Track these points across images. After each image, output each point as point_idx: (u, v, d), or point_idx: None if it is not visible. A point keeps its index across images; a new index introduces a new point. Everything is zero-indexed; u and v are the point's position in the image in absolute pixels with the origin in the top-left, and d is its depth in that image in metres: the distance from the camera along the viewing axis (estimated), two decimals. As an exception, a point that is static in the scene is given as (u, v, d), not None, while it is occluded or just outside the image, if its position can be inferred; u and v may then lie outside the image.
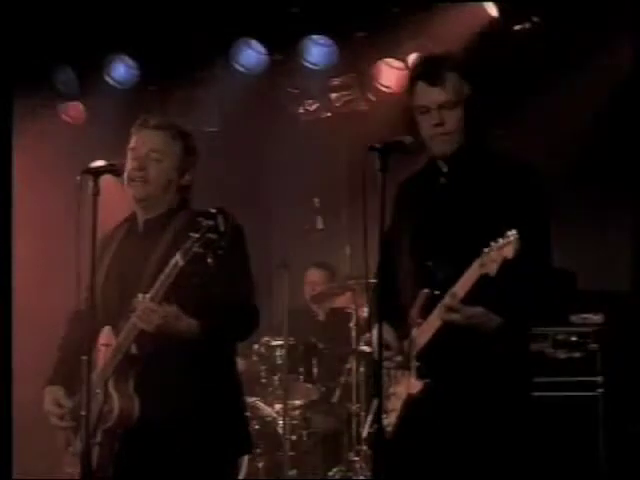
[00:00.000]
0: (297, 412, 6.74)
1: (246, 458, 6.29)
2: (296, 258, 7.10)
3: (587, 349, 5.89)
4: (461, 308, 3.44)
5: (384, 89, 7.14)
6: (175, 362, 3.69)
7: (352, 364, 6.64)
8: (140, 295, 3.59)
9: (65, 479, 3.90)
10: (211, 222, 3.46)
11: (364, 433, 6.27)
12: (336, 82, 7.43)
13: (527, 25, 6.37)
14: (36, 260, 7.10)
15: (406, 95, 3.73)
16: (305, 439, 6.72)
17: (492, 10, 6.38)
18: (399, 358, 3.65)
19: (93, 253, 3.61)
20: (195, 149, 3.92)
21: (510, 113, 6.31)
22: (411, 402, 3.61)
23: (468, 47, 5.92)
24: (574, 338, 5.92)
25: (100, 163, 3.72)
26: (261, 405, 6.71)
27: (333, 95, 7.60)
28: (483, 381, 3.52)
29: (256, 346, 6.82)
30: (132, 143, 3.87)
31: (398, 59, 6.88)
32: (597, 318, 5.98)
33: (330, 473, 6.59)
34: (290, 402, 6.64)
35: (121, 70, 7.37)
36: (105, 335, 3.77)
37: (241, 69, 7.17)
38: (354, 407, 6.54)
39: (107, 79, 7.38)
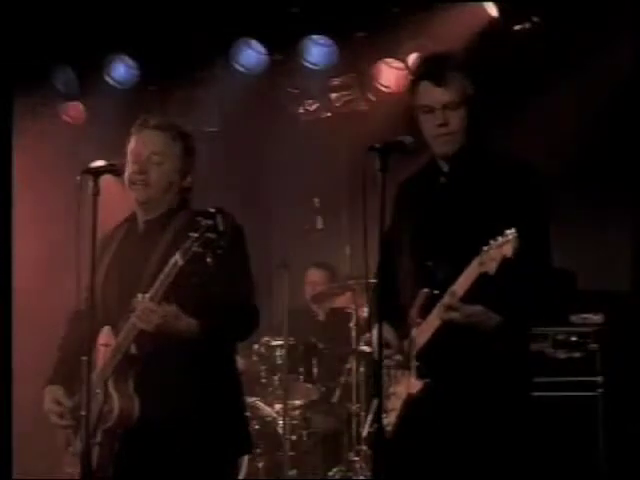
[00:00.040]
0: (297, 412, 6.74)
1: (246, 458, 6.30)
2: (296, 258, 7.11)
3: (587, 349, 5.89)
4: (460, 307, 3.44)
5: (384, 89, 7.14)
6: (175, 362, 3.70)
7: (352, 364, 6.63)
8: (139, 295, 3.60)
9: (65, 479, 3.90)
10: (210, 222, 3.46)
11: (364, 433, 6.27)
12: (336, 82, 7.43)
13: (527, 25, 6.37)
14: (36, 260, 7.09)
15: (408, 94, 3.73)
16: (305, 439, 6.72)
17: (492, 10, 6.38)
18: (399, 357, 3.65)
19: (93, 253, 3.61)
20: (194, 149, 3.93)
21: (510, 113, 6.31)
22: (411, 402, 3.62)
23: (468, 47, 5.92)
24: (574, 338, 5.92)
25: (100, 163, 3.72)
26: (261, 405, 6.71)
27: (333, 95, 7.60)
28: (483, 381, 3.52)
29: (256, 346, 6.82)
30: (132, 144, 3.87)
31: (398, 59, 6.88)
32: (597, 318, 5.98)
33: (330, 473, 6.59)
34: (290, 402, 6.64)
35: (121, 70, 7.37)
36: (105, 335, 3.77)
37: (241, 69, 7.17)
38: (354, 407, 6.54)
39: (107, 79, 7.38)
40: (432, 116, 3.63)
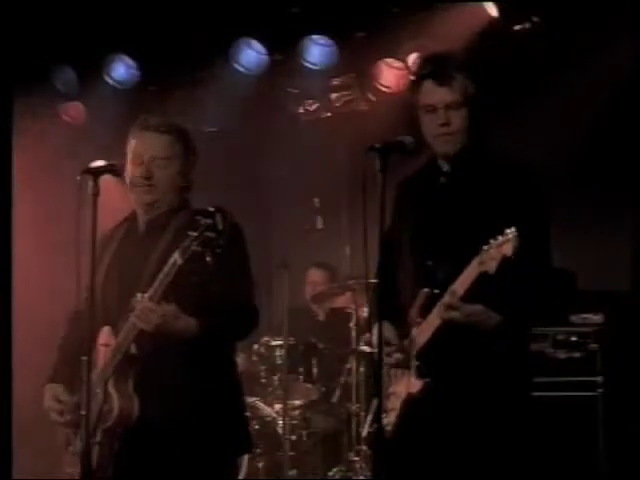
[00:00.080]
0: (297, 412, 6.74)
1: (246, 458, 6.30)
2: (296, 258, 7.11)
3: (587, 349, 5.90)
4: (460, 306, 3.44)
5: (384, 89, 7.13)
6: (174, 361, 3.70)
7: (352, 364, 6.63)
8: (139, 294, 3.60)
9: (65, 479, 3.90)
10: (209, 220, 3.46)
11: (364, 432, 6.28)
12: (336, 82, 7.43)
13: (527, 25, 6.36)
14: (36, 260, 7.10)
15: (410, 93, 3.72)
16: (305, 439, 6.72)
17: (492, 10, 6.37)
18: (399, 355, 3.65)
19: (93, 253, 3.61)
20: (195, 148, 3.93)
21: (510, 113, 6.31)
22: (411, 401, 3.62)
23: (468, 47, 5.92)
24: (574, 338, 5.92)
25: (100, 163, 3.71)
26: (261, 405, 6.71)
27: (333, 95, 7.60)
28: (483, 380, 3.53)
29: (256, 346, 6.82)
30: (133, 146, 3.86)
31: (398, 59, 6.88)
32: (597, 318, 5.98)
33: (330, 473, 6.59)
34: (290, 402, 6.63)
35: (121, 70, 7.37)
36: (105, 335, 3.77)
37: (241, 69, 7.16)
38: (354, 407, 6.54)
39: (107, 79, 7.38)
40: (434, 115, 3.63)
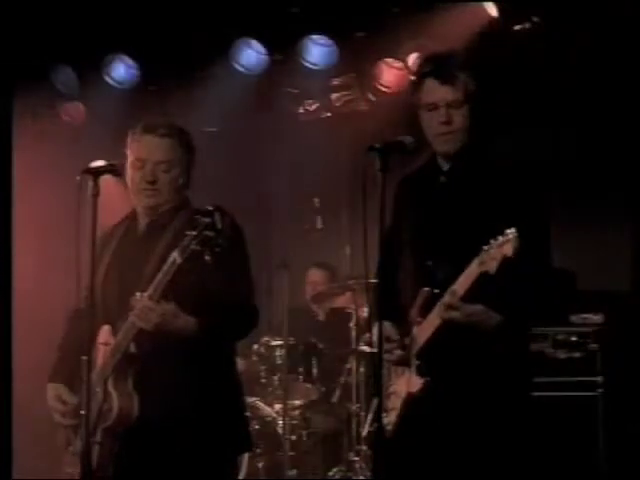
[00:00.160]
0: (297, 412, 6.74)
1: (246, 458, 6.30)
2: (296, 258, 7.11)
3: (587, 349, 5.90)
4: (461, 306, 3.44)
5: (384, 89, 7.13)
6: (174, 360, 3.70)
7: (352, 364, 6.64)
8: (138, 293, 3.60)
9: (65, 479, 3.90)
10: (208, 220, 3.47)
11: (364, 432, 6.28)
12: (336, 82, 7.43)
13: (527, 25, 6.36)
14: (36, 260, 7.09)
15: (411, 92, 3.72)
16: (305, 439, 6.72)
17: (492, 10, 6.37)
18: (400, 352, 3.65)
19: (93, 252, 3.62)
20: (194, 147, 3.93)
21: (510, 113, 6.30)
22: (411, 400, 3.62)
23: (468, 47, 5.91)
24: (574, 338, 5.93)
25: (100, 163, 3.71)
26: (261, 405, 6.70)
27: (333, 95, 7.61)
28: (483, 380, 3.52)
29: (256, 346, 6.82)
30: (135, 150, 3.85)
31: (398, 59, 6.88)
32: (597, 318, 5.98)
33: (330, 473, 6.59)
34: (290, 402, 6.63)
35: (121, 70, 7.37)
36: (104, 334, 3.77)
37: (241, 69, 7.16)
38: (354, 407, 6.54)
39: (107, 79, 7.38)
40: (435, 114, 3.63)
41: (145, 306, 3.58)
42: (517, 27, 6.40)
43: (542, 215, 3.64)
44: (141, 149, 3.84)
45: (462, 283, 3.43)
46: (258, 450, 6.49)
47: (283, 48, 7.08)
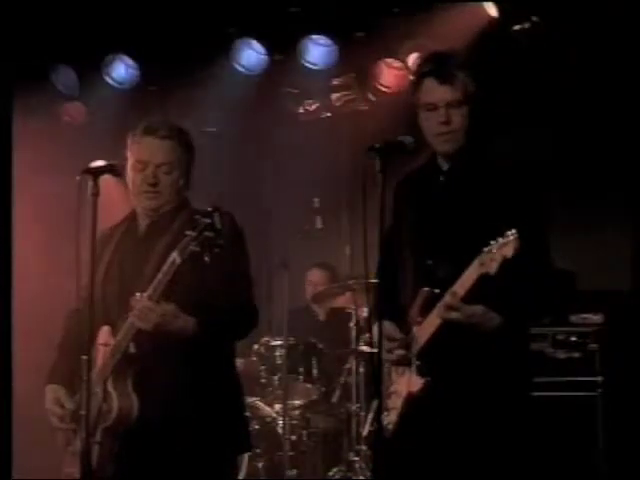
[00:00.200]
0: (297, 412, 6.73)
1: (246, 458, 6.30)
2: (296, 258, 7.11)
3: (587, 349, 5.90)
4: (461, 307, 3.44)
5: (384, 89, 7.14)
6: (173, 361, 3.70)
7: (352, 364, 6.64)
8: (137, 294, 3.60)
9: (65, 479, 3.90)
10: (208, 220, 3.47)
11: (365, 431, 6.29)
12: (336, 82, 7.43)
13: (527, 25, 6.36)
14: (36, 260, 7.09)
15: (411, 92, 3.72)
16: (305, 439, 6.71)
17: (492, 10, 6.38)
18: (401, 351, 3.65)
19: (93, 253, 3.62)
20: (194, 146, 3.94)
21: (510, 113, 6.31)
22: (412, 400, 3.62)
23: (468, 47, 5.92)
24: (574, 338, 5.93)
25: (100, 163, 3.71)
26: (261, 405, 6.70)
27: (333, 95, 7.61)
28: (483, 380, 3.52)
29: (256, 346, 6.82)
30: (136, 152, 3.85)
31: (398, 59, 6.88)
32: (597, 318, 5.99)
33: (330, 473, 6.58)
34: (290, 402, 6.63)
35: (121, 70, 7.37)
36: (104, 334, 3.77)
37: (241, 69, 7.17)
38: (354, 407, 6.54)
39: (107, 79, 7.38)
40: (435, 114, 3.63)
41: (145, 306, 3.58)
42: (517, 27, 6.41)
43: (541, 215, 3.64)
44: (142, 151, 3.84)
45: (462, 284, 3.43)
46: (258, 450, 6.49)
47: (283, 48, 7.08)
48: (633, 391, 5.79)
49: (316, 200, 7.30)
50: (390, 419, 3.69)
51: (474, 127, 3.63)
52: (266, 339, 6.81)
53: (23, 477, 5.44)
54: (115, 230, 3.98)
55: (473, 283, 3.40)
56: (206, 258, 3.49)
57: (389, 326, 3.64)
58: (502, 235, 3.33)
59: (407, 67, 6.75)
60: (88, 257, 3.60)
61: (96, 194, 3.64)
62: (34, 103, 7.22)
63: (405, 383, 3.66)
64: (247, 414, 4.36)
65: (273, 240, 8.42)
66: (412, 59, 6.67)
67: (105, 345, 3.75)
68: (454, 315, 3.45)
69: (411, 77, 3.87)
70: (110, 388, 3.70)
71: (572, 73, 6.37)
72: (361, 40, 6.90)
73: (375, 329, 3.40)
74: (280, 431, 6.57)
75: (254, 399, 6.67)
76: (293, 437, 6.62)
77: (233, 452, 3.96)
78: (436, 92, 3.62)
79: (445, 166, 3.71)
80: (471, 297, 3.43)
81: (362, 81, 7.31)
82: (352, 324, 6.64)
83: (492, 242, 3.34)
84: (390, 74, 7.07)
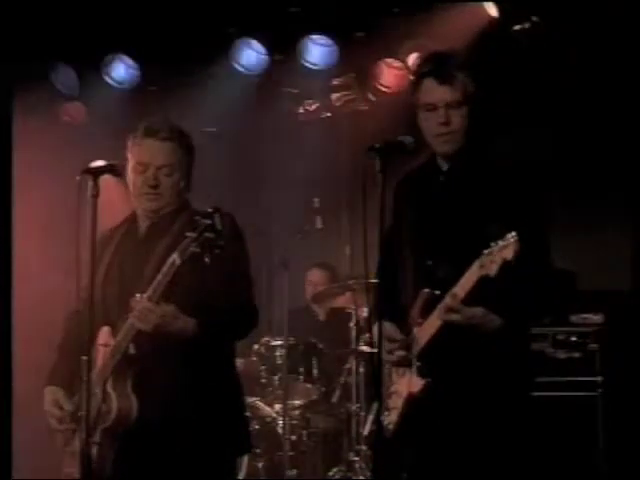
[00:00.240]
0: (297, 412, 6.73)
1: (246, 458, 6.30)
2: (296, 258, 7.10)
3: (587, 349, 5.90)
4: (461, 309, 3.44)
5: (384, 89, 7.14)
6: (173, 362, 3.70)
7: (352, 364, 6.64)
8: (137, 295, 3.60)
9: (64, 479, 3.90)
10: (208, 221, 3.47)
11: (366, 431, 6.29)
12: (336, 82, 7.43)
13: (527, 25, 6.37)
14: (36, 260, 7.09)
15: (410, 92, 3.71)
16: (305, 439, 6.71)
17: (492, 10, 6.38)
18: (402, 352, 3.65)
19: (93, 253, 3.61)
20: (194, 148, 3.93)
21: (510, 113, 6.30)
22: (412, 400, 3.62)
23: (468, 47, 5.92)
24: (574, 338, 5.93)
25: (100, 163, 3.71)
26: (261, 405, 6.70)
27: (333, 95, 7.61)
28: (483, 381, 3.52)
29: (256, 346, 6.81)
30: (137, 154, 3.85)
31: (398, 59, 6.89)
32: (597, 318, 5.99)
33: (330, 473, 6.58)
34: (290, 402, 6.63)
35: (121, 70, 7.37)
36: (104, 335, 3.77)
37: (241, 69, 7.17)
38: (354, 407, 6.54)
39: (107, 79, 7.38)
40: (434, 114, 3.62)
41: (144, 307, 3.57)
42: (517, 27, 6.41)
43: (541, 215, 3.64)
44: (142, 153, 3.84)
45: (463, 286, 3.43)
46: (258, 450, 6.49)
47: (283, 48, 7.08)
48: (633, 391, 5.79)
49: (316, 200, 7.29)
50: (391, 419, 3.69)
51: (474, 127, 3.63)
52: (266, 339, 6.81)
53: (23, 477, 5.44)
54: (115, 232, 3.98)
55: (473, 285, 3.40)
56: (206, 259, 3.48)
57: (389, 327, 3.65)
58: (502, 237, 3.32)
59: (407, 67, 6.75)
60: (88, 258, 3.60)
61: (96, 194, 3.64)
62: (34, 103, 7.22)
63: (406, 383, 3.66)
64: (247, 414, 4.36)
65: (273, 240, 8.41)
66: (412, 59, 6.67)
67: (105, 346, 3.74)
68: (454, 317, 3.45)
69: (411, 77, 3.87)
70: (109, 389, 3.70)
71: (572, 73, 6.36)
72: (361, 40, 6.89)
73: (375, 329, 3.39)
74: (280, 431, 6.57)
75: (254, 399, 6.67)
76: (293, 437, 6.61)
77: (233, 453, 3.96)
78: (435, 92, 3.61)
79: (445, 166, 3.71)
80: (471, 299, 3.43)
81: (362, 81, 7.31)
82: (352, 324, 6.64)
83: (492, 244, 3.33)
84: (390, 74, 7.07)
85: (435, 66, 3.65)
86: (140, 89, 7.45)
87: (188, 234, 3.49)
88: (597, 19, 6.11)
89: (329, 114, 7.80)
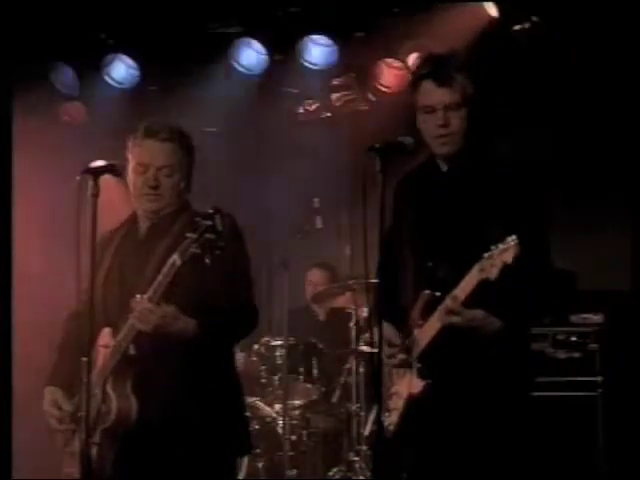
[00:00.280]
0: (297, 412, 6.73)
1: (246, 458, 6.29)
2: (296, 258, 7.10)
3: (587, 349, 5.90)
4: (462, 311, 3.44)
5: (384, 89, 7.14)
6: (174, 362, 3.70)
7: (352, 364, 6.64)
8: (138, 295, 3.60)
9: (64, 479, 3.90)
10: (209, 222, 3.47)
11: (366, 431, 6.29)
12: (336, 82, 7.43)
13: (527, 25, 6.36)
14: (36, 260, 7.09)
15: (409, 93, 3.71)
16: (305, 439, 6.71)
17: (492, 10, 6.38)
18: (402, 356, 3.65)
19: (93, 254, 3.61)
20: (194, 148, 3.93)
21: (510, 113, 6.31)
22: (413, 401, 3.62)
23: (468, 47, 5.92)
24: (574, 338, 5.93)
25: (100, 163, 3.71)
26: (261, 405, 6.70)
27: (333, 95, 7.61)
28: (483, 382, 3.53)
29: (256, 346, 6.81)
30: (137, 155, 3.85)
31: (398, 59, 6.88)
32: (597, 318, 5.99)
33: (330, 473, 6.58)
34: (290, 402, 6.63)
35: (121, 70, 7.37)
36: (104, 336, 3.77)
37: (241, 69, 7.16)
38: (354, 407, 6.54)
39: (107, 79, 7.38)
40: (433, 116, 3.62)
41: (145, 308, 3.57)
42: (517, 27, 6.40)
43: (541, 216, 3.64)
44: (143, 154, 3.83)
45: (463, 289, 3.43)
46: (258, 450, 6.48)
47: (283, 48, 7.08)
48: (633, 391, 5.79)
49: (316, 200, 7.28)
50: (391, 420, 3.69)
51: (473, 129, 3.63)
52: (266, 339, 6.81)
53: (23, 477, 5.44)
54: (115, 233, 3.98)
55: (473, 288, 3.40)
56: (207, 260, 3.48)
57: (389, 331, 3.64)
58: (502, 240, 3.32)
59: (407, 67, 6.75)
60: (88, 259, 3.60)
61: (96, 194, 3.64)
62: (34, 103, 7.22)
63: (406, 385, 3.66)
64: (247, 414, 4.35)
65: (273, 240, 8.41)
66: (412, 59, 6.67)
67: (106, 347, 3.74)
68: (455, 319, 3.46)
69: (410, 78, 3.86)
70: (109, 389, 3.70)
71: (572, 73, 6.36)
72: (361, 40, 6.89)
73: (375, 330, 3.39)
74: (280, 431, 6.57)
75: (254, 399, 6.67)
76: (293, 437, 6.62)
77: (233, 453, 3.96)
78: (434, 95, 3.61)
79: (444, 167, 3.71)
80: (471, 301, 3.43)
81: (362, 81, 7.31)
82: (352, 324, 6.64)
83: (493, 248, 3.33)
84: (390, 74, 7.07)
85: (433, 68, 3.64)
86: (140, 89, 7.45)
87: (188, 235, 3.48)
88: (597, 19, 6.11)
89: (329, 114, 7.80)
